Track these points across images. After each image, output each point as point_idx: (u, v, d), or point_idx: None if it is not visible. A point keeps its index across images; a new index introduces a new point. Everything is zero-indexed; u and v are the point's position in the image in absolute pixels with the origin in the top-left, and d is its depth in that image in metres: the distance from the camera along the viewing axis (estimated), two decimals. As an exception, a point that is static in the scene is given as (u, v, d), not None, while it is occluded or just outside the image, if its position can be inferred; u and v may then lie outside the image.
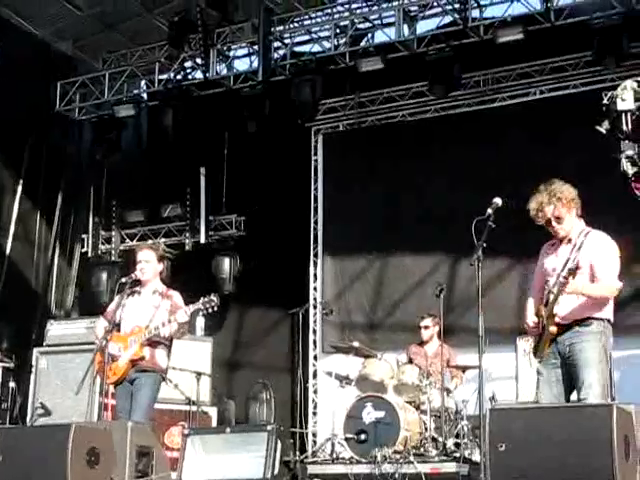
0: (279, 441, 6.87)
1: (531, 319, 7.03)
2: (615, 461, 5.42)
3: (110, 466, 6.77)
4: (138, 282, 8.43)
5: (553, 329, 6.85)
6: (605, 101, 8.09)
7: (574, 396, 6.91)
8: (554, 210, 6.99)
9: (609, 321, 6.94)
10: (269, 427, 7.04)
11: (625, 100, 7.89)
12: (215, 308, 8.04)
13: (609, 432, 5.47)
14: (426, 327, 11.19)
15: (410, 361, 10.84)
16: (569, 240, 7.07)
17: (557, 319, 6.85)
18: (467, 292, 11.09)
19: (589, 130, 9.30)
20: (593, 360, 6.76)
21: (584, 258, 6.93)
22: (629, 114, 7.94)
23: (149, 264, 8.40)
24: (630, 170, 7.83)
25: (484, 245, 6.94)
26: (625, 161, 7.87)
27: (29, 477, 6.57)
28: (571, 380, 6.87)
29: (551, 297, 6.87)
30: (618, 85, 12.22)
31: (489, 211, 7.03)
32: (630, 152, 7.88)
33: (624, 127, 7.92)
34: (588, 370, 6.73)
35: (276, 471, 6.78)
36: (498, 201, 7.12)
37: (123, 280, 8.38)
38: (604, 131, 7.93)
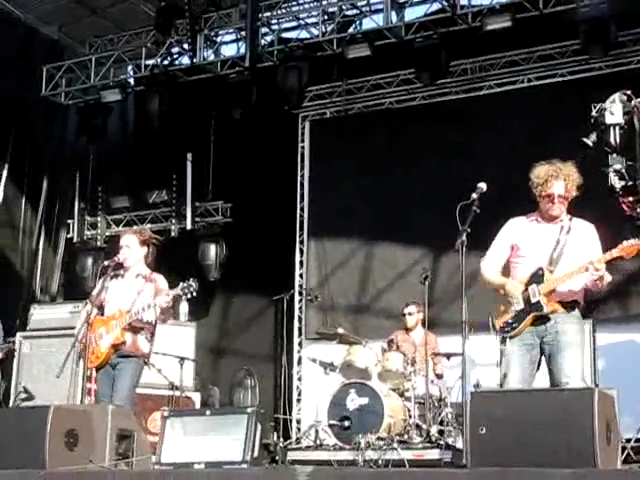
0: (259, 424, 6.84)
1: (514, 287, 6.98)
2: (596, 445, 5.39)
3: (89, 448, 6.72)
4: (121, 265, 8.40)
5: (551, 306, 6.86)
6: (593, 113, 8.00)
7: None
8: (564, 187, 6.97)
9: None
10: (249, 409, 7.01)
11: (614, 114, 7.80)
12: (194, 293, 7.99)
13: (591, 416, 5.44)
14: (410, 314, 11.18)
15: (397, 347, 10.80)
16: (554, 222, 7.05)
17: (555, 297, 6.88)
18: (452, 282, 11.05)
19: (575, 119, 9.26)
20: (576, 343, 6.79)
21: (574, 243, 6.97)
22: (617, 128, 7.85)
23: (130, 249, 8.38)
24: (617, 184, 7.76)
25: (468, 230, 6.95)
26: (613, 175, 7.78)
27: (8, 458, 6.53)
28: (539, 363, 6.91)
29: (548, 274, 6.87)
30: (605, 74, 12.31)
31: (474, 196, 7.06)
32: (618, 166, 7.77)
33: (612, 141, 7.82)
34: (571, 352, 6.76)
35: (255, 454, 6.75)
36: (483, 186, 7.13)
37: (105, 263, 8.40)
38: (591, 144, 7.84)
